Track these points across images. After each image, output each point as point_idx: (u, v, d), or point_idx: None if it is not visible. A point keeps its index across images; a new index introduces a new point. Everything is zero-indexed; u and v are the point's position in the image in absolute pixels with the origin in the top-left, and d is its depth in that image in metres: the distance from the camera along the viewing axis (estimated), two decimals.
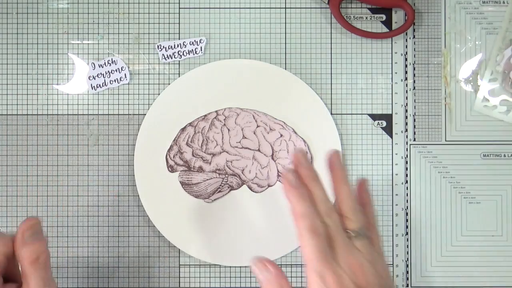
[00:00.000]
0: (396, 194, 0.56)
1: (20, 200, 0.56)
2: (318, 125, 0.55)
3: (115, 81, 0.55)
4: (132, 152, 0.56)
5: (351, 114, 0.56)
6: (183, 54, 0.54)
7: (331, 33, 0.56)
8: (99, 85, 0.55)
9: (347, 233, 0.42)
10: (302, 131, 0.55)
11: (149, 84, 0.56)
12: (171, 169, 0.55)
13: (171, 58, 0.55)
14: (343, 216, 0.43)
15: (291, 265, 0.56)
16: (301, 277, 0.56)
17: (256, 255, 0.43)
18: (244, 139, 0.55)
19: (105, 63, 0.55)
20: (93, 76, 0.55)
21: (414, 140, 0.56)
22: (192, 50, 0.54)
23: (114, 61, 0.54)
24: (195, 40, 0.53)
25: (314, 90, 0.55)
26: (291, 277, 0.56)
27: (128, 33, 0.56)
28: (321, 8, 0.56)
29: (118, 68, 0.54)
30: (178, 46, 0.54)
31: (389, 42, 0.56)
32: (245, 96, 0.55)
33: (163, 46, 0.54)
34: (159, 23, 0.56)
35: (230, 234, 0.55)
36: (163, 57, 0.54)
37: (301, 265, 0.56)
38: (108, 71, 0.55)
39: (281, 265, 0.56)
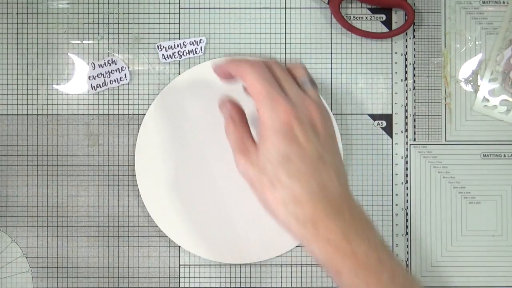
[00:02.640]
0: (396, 194, 0.56)
1: (20, 200, 0.56)
2: None
3: (115, 81, 0.55)
4: (132, 152, 0.56)
5: (351, 114, 0.56)
6: (183, 54, 0.54)
7: (331, 33, 0.56)
8: (99, 85, 0.55)
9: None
10: None
11: (149, 84, 0.56)
12: None
13: (171, 58, 0.54)
14: (292, 74, 0.45)
15: (291, 265, 0.56)
16: (301, 277, 0.56)
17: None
18: None
19: (105, 63, 0.55)
20: (93, 76, 0.55)
21: (414, 140, 0.56)
22: (192, 50, 0.54)
23: (114, 61, 0.54)
24: (195, 40, 0.53)
25: None
26: (291, 277, 0.56)
27: (128, 33, 0.56)
28: (321, 8, 0.56)
29: (118, 68, 0.54)
30: (178, 46, 0.54)
31: (389, 42, 0.56)
32: (245, 96, 0.55)
33: (163, 46, 0.54)
34: (159, 23, 0.56)
35: (232, 232, 0.55)
36: (163, 57, 0.54)
37: (301, 265, 0.56)
38: (108, 71, 0.55)
39: (281, 265, 0.56)
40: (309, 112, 0.43)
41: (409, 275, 0.44)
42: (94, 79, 0.55)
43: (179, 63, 0.56)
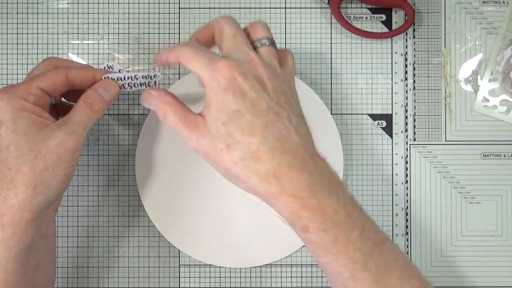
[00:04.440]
0: (396, 194, 0.56)
1: None
2: (318, 125, 0.55)
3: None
4: (132, 152, 0.56)
5: (351, 114, 0.56)
6: (133, 86, 0.48)
7: (331, 33, 0.56)
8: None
9: (252, 44, 0.43)
10: None
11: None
12: None
13: (122, 88, 0.48)
14: (250, 33, 0.44)
15: (291, 265, 0.56)
16: (301, 277, 0.56)
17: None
18: None
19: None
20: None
21: (414, 140, 0.56)
22: (145, 83, 0.49)
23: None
24: (148, 75, 0.48)
25: (314, 90, 0.55)
26: (291, 277, 0.56)
27: (128, 33, 0.56)
28: (321, 8, 0.56)
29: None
30: (129, 78, 0.48)
31: (389, 42, 0.56)
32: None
33: (111, 78, 0.47)
34: (159, 23, 0.56)
35: (231, 235, 0.55)
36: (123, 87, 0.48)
37: (301, 265, 0.56)
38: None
39: (281, 265, 0.56)
40: (255, 69, 0.41)
41: (382, 233, 0.43)
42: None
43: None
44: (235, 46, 0.42)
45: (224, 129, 0.40)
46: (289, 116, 0.41)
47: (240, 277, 0.56)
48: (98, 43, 0.56)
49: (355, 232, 0.41)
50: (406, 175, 0.56)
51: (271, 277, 0.56)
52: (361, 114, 0.56)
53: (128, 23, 0.56)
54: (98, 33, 0.56)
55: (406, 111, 0.56)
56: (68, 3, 0.56)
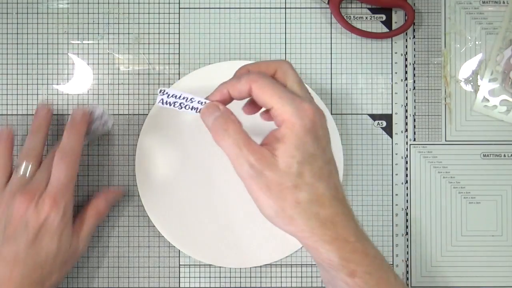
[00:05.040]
0: (396, 194, 0.56)
1: None
2: None
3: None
4: (132, 152, 0.56)
5: (351, 114, 0.56)
6: (185, 107, 0.45)
7: (331, 33, 0.56)
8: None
9: None
10: None
11: (149, 84, 0.56)
12: None
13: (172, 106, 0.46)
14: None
15: (291, 265, 0.56)
16: (301, 277, 0.56)
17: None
18: None
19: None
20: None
21: (414, 140, 0.56)
22: (196, 108, 0.45)
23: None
24: (201, 101, 0.45)
25: (314, 90, 0.55)
26: (291, 277, 0.56)
27: (128, 33, 0.56)
28: (321, 8, 0.56)
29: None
30: (184, 98, 0.45)
31: (389, 42, 0.56)
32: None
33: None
34: (159, 23, 0.56)
35: (231, 235, 0.55)
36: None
37: (301, 265, 0.56)
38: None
39: (281, 265, 0.56)
40: (322, 112, 0.42)
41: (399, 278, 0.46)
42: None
43: (179, 63, 0.56)
44: (302, 92, 0.43)
45: (298, 169, 0.40)
46: (336, 167, 0.43)
47: (240, 277, 0.56)
48: (98, 43, 0.56)
49: (392, 274, 0.43)
50: (406, 175, 0.56)
51: (271, 277, 0.56)
52: (361, 114, 0.56)
53: (128, 23, 0.56)
54: (98, 33, 0.56)
55: (406, 111, 0.56)
56: (68, 3, 0.56)
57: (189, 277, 0.56)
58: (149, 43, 0.56)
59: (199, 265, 0.56)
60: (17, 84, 0.56)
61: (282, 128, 0.40)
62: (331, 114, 0.56)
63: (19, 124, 0.56)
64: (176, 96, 0.45)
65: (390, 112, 0.56)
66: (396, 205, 0.56)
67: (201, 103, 0.44)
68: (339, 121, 0.56)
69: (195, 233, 0.55)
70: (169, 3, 0.56)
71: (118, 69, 0.56)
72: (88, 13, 0.56)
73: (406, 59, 0.56)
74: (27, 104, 0.56)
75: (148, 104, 0.56)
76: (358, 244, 0.41)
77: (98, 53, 0.56)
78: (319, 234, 0.40)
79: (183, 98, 0.45)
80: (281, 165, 0.40)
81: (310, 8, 0.56)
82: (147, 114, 0.55)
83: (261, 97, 0.41)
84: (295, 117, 0.40)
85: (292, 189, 0.40)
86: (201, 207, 0.55)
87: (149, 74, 0.56)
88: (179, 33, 0.56)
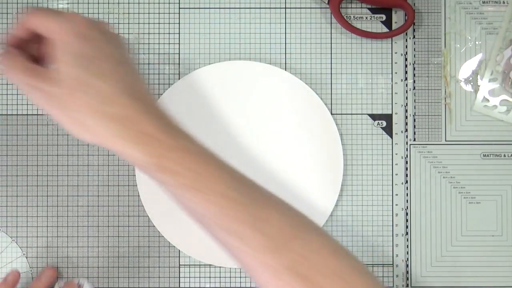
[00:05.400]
0: (396, 194, 0.56)
1: (20, 200, 0.56)
2: (318, 125, 0.55)
3: None
4: None
5: (351, 114, 0.56)
6: None
7: (331, 33, 0.56)
8: None
9: None
10: (302, 131, 0.55)
11: (149, 84, 0.56)
12: None
13: None
14: None
15: None
16: None
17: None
18: None
19: None
20: None
21: (414, 140, 0.56)
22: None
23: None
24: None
25: (314, 90, 0.55)
26: None
27: (128, 33, 0.56)
28: (321, 8, 0.56)
29: None
30: None
31: (389, 42, 0.56)
32: (246, 97, 0.55)
33: None
34: (159, 23, 0.56)
35: None
36: None
37: None
38: None
39: None
40: (96, 21, 0.43)
41: (245, 174, 0.43)
42: None
43: (179, 64, 0.56)
44: None
45: (70, 73, 0.40)
46: (135, 70, 0.43)
47: (240, 277, 0.56)
48: None
49: (217, 168, 0.41)
50: (406, 175, 0.56)
51: None
52: (361, 114, 0.56)
53: (128, 23, 0.56)
54: None
55: (406, 111, 0.56)
56: (68, 3, 0.56)
57: (189, 277, 0.56)
58: (149, 43, 0.56)
59: (199, 265, 0.56)
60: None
61: (49, 39, 0.41)
62: (331, 114, 0.56)
63: (19, 124, 0.56)
64: None
65: (390, 112, 0.56)
66: (396, 205, 0.56)
67: None
68: (339, 121, 0.56)
69: (195, 233, 0.55)
70: (169, 3, 0.56)
71: None
72: (88, 13, 0.56)
73: (406, 59, 0.56)
74: (27, 104, 0.56)
75: None
76: (170, 141, 0.40)
77: None
78: (120, 135, 0.39)
79: None
80: (53, 74, 0.40)
81: (310, 8, 0.56)
82: None
83: (33, 24, 0.42)
84: (57, 25, 0.40)
85: (73, 94, 0.39)
86: None
87: (149, 74, 0.56)
88: (179, 33, 0.56)
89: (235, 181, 0.41)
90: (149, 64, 0.56)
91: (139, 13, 0.56)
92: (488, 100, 0.56)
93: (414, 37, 0.56)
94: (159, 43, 0.56)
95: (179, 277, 0.56)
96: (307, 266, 0.40)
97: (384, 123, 0.56)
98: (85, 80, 0.39)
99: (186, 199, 0.40)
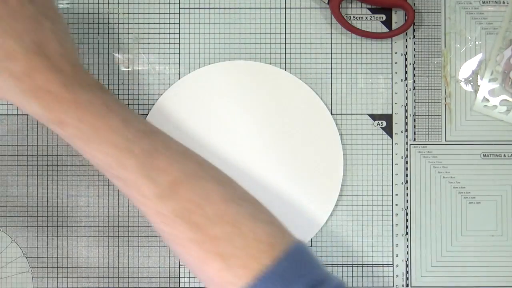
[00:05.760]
0: (396, 194, 0.56)
1: (20, 200, 0.56)
2: (318, 125, 0.55)
3: None
4: None
5: (351, 114, 0.56)
6: None
7: (331, 33, 0.56)
8: None
9: None
10: (302, 131, 0.55)
11: (149, 84, 0.56)
12: None
13: None
14: None
15: None
16: None
17: None
18: None
19: None
20: None
21: (414, 140, 0.56)
22: None
23: None
24: None
25: (314, 90, 0.55)
26: None
27: (128, 33, 0.56)
28: (321, 8, 0.56)
29: None
30: None
31: (389, 42, 0.56)
32: (246, 97, 0.55)
33: None
34: (159, 23, 0.56)
35: None
36: None
37: None
38: None
39: None
40: None
41: (153, 126, 0.44)
42: None
43: (179, 64, 0.56)
44: None
45: None
46: (52, 28, 0.43)
47: None
48: (98, 43, 0.56)
49: (116, 119, 0.42)
50: (406, 175, 0.56)
51: None
52: (361, 114, 0.56)
53: (128, 23, 0.56)
54: (98, 33, 0.56)
55: (406, 111, 0.56)
56: (68, 3, 0.56)
57: (189, 277, 0.56)
58: (149, 43, 0.56)
59: None
60: None
61: None
62: (331, 114, 0.56)
63: (19, 124, 0.56)
64: None
65: (390, 112, 0.56)
66: (396, 205, 0.56)
67: None
68: (339, 121, 0.56)
69: None
70: (169, 3, 0.56)
71: (118, 69, 0.56)
72: (88, 13, 0.56)
73: (406, 59, 0.56)
74: None
75: (148, 104, 0.56)
76: (64, 93, 0.41)
77: (98, 53, 0.56)
78: (19, 91, 0.41)
79: None
80: None
81: (310, 8, 0.56)
82: (147, 114, 0.55)
83: None
84: None
85: None
86: None
87: (149, 74, 0.56)
88: (179, 33, 0.56)
89: (133, 132, 0.42)
90: (149, 64, 0.56)
91: (139, 13, 0.56)
92: (488, 100, 0.56)
93: (414, 37, 0.56)
94: (159, 43, 0.56)
95: (179, 277, 0.56)
96: (198, 213, 0.40)
97: (384, 123, 0.56)
98: None
99: (83, 150, 0.42)
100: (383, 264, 0.56)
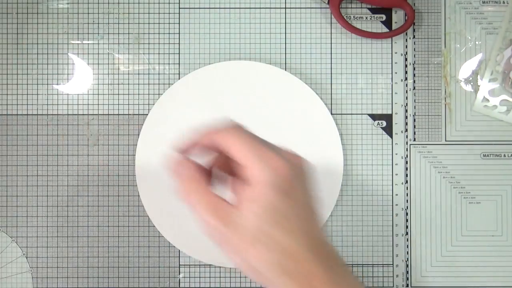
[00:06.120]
0: (396, 194, 0.56)
1: (20, 200, 0.56)
2: (318, 125, 0.55)
3: None
4: (132, 152, 0.56)
5: (351, 114, 0.56)
6: None
7: (331, 33, 0.56)
8: None
9: None
10: (302, 131, 0.55)
11: (149, 84, 0.56)
12: None
13: None
14: None
15: None
16: None
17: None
18: None
19: None
20: None
21: (414, 140, 0.56)
22: None
23: None
24: None
25: (314, 90, 0.55)
26: None
27: (128, 33, 0.56)
28: (321, 8, 0.56)
29: None
30: None
31: (389, 42, 0.56)
32: (246, 97, 0.55)
33: None
34: (159, 23, 0.56)
35: None
36: None
37: None
38: None
39: None
40: (300, 165, 0.40)
41: None
42: None
43: (179, 64, 0.56)
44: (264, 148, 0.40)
45: (261, 227, 0.37)
46: (319, 216, 0.41)
47: (240, 277, 0.56)
48: (98, 43, 0.56)
49: None
50: (406, 175, 0.56)
51: None
52: (361, 114, 0.56)
53: (128, 23, 0.56)
54: (98, 33, 0.56)
55: (406, 111, 0.56)
56: (68, 3, 0.56)
57: (189, 277, 0.56)
58: (149, 43, 0.56)
59: (199, 265, 0.56)
60: (17, 84, 0.56)
61: (249, 184, 0.38)
62: (331, 114, 0.56)
63: (19, 124, 0.56)
64: None
65: (390, 112, 0.56)
66: (396, 205, 0.56)
67: None
68: (339, 121, 0.56)
69: (195, 233, 0.55)
70: (169, 3, 0.56)
71: (118, 69, 0.56)
72: (88, 13, 0.56)
73: (406, 59, 0.56)
74: (27, 104, 0.56)
75: (148, 104, 0.56)
76: None
77: (98, 53, 0.56)
78: (285, 283, 0.37)
79: None
80: (237, 218, 0.38)
81: (310, 8, 0.56)
82: (147, 114, 0.55)
83: (231, 150, 0.39)
84: (258, 171, 0.38)
85: (254, 245, 0.37)
86: None
87: (149, 74, 0.56)
88: (179, 33, 0.56)
89: None
90: (149, 64, 0.56)
91: (139, 13, 0.56)
92: (488, 100, 0.56)
93: (414, 37, 0.56)
94: (159, 43, 0.56)
95: (179, 277, 0.56)
96: None
97: (384, 123, 0.56)
98: (270, 234, 0.37)
99: None
100: (383, 264, 0.56)
